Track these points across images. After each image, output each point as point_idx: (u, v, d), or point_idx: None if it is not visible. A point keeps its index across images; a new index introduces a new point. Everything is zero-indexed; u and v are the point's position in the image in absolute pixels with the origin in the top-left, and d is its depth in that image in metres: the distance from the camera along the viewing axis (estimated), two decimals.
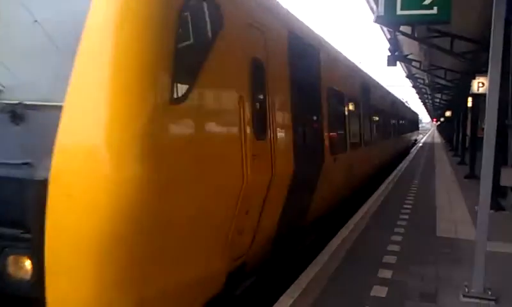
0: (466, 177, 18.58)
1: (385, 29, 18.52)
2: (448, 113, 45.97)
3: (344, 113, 11.55)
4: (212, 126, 4.75)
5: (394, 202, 12.85)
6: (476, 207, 6.43)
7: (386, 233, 9.06)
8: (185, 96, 4.18)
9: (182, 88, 4.16)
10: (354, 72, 13.79)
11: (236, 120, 5.10)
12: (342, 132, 11.16)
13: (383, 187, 16.03)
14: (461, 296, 5.90)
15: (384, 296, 5.89)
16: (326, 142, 9.09)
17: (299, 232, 8.03)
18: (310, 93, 8.50)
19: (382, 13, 7.61)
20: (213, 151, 4.61)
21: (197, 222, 4.43)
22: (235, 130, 5.08)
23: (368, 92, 15.87)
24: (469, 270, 6.16)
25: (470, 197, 13.18)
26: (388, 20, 7.78)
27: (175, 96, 4.06)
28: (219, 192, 4.79)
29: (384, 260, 7.34)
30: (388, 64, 20.36)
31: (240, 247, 5.47)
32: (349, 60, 13.17)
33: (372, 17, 11.95)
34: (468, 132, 25.00)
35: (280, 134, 6.46)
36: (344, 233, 9.01)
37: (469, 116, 24.94)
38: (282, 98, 6.70)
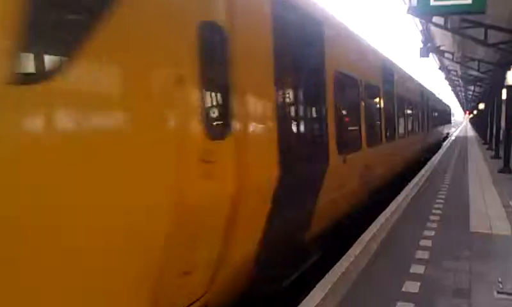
0: (500, 171, 18.18)
1: (417, 20, 18.25)
2: (481, 106, 45.15)
3: (358, 103, 9.41)
4: (110, 119, 3.10)
5: (426, 196, 12.66)
6: (511, 202, 6.29)
7: (419, 228, 8.93)
8: (49, 73, 2.76)
9: (41, 61, 2.84)
10: (371, 55, 11.23)
11: (166, 111, 3.49)
12: (355, 127, 9.28)
13: (414, 181, 15.81)
14: (495, 292, 5.78)
15: (416, 291, 5.82)
16: (332, 140, 7.24)
17: (299, 251, 6.63)
18: (308, 76, 6.81)
19: (415, 4, 7.52)
20: (113, 159, 3.03)
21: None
22: (162, 125, 3.47)
23: (389, 79, 13.56)
24: (503, 266, 6.04)
25: (504, 192, 12.92)
26: (421, 11, 7.68)
27: (29, 71, 2.70)
28: (128, 221, 3.16)
29: (416, 256, 7.24)
30: (421, 56, 20.14)
31: (191, 289, 4.06)
32: (364, 40, 10.66)
33: (405, 8, 11.78)
34: (503, 125, 24.47)
35: (255, 130, 4.81)
36: (374, 227, 8.92)
37: (503, 108, 24.41)
38: (260, 81, 4.99)
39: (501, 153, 22.12)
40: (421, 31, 19.63)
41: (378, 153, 11.39)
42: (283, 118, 5.55)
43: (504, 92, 21.15)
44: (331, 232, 8.08)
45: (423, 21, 17.26)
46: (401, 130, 15.83)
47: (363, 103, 9.53)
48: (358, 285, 6.06)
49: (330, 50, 7.20)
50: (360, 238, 8.04)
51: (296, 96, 6.41)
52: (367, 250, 7.44)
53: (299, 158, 6.06)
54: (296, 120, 6.38)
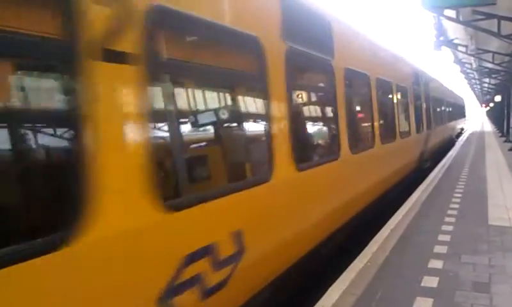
0: None
1: (430, 13, 18.13)
2: (497, 98, 44.68)
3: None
4: None
5: (444, 190, 12.58)
6: None
7: (437, 222, 8.88)
8: None
9: None
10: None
11: None
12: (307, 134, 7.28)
13: (432, 175, 15.70)
14: None
15: (435, 286, 5.79)
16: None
17: None
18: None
19: None
20: None
21: None
22: None
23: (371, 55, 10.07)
24: None
25: None
26: (431, 4, 7.65)
27: None
28: None
29: (435, 250, 7.21)
30: (434, 49, 20.02)
31: None
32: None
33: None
34: None
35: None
36: (392, 223, 8.90)
37: None
38: None
39: None
40: (434, 24, 19.50)
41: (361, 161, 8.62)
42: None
43: None
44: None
45: (435, 14, 17.13)
46: (395, 128, 12.16)
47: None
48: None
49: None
50: (377, 234, 8.05)
51: None
52: (384, 246, 7.44)
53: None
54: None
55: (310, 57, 6.41)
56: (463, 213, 9.71)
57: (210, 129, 5.76)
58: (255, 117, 5.81)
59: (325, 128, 7.95)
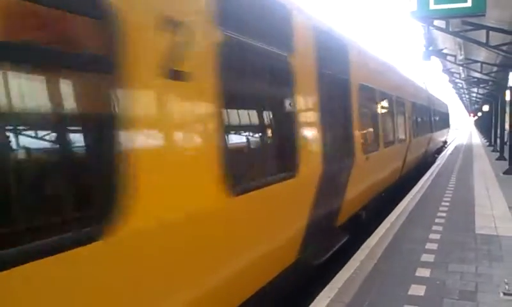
0: (505, 172, 18.14)
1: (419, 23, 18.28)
2: (485, 107, 45.07)
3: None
4: None
5: (432, 199, 12.66)
6: None
7: (424, 231, 8.93)
8: None
9: None
10: None
11: None
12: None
13: (420, 184, 15.79)
14: (501, 294, 5.78)
15: (422, 294, 5.82)
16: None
17: None
18: None
19: (415, 9, 7.55)
20: None
21: None
22: None
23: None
24: (510, 268, 6.05)
25: (510, 193, 12.90)
26: (421, 14, 7.71)
27: None
28: None
29: (422, 259, 7.25)
30: (423, 59, 20.15)
31: None
32: None
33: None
34: (507, 126, 24.43)
35: None
36: (380, 232, 8.93)
37: (507, 109, 24.38)
38: None
39: (506, 155, 22.10)
40: (423, 34, 19.65)
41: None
42: None
43: (508, 93, 21.15)
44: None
45: (424, 25, 17.28)
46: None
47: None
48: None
49: None
50: (365, 243, 8.08)
51: None
52: (372, 255, 7.47)
53: None
54: None
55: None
56: (450, 221, 9.78)
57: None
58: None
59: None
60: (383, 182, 12.22)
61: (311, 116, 6.54)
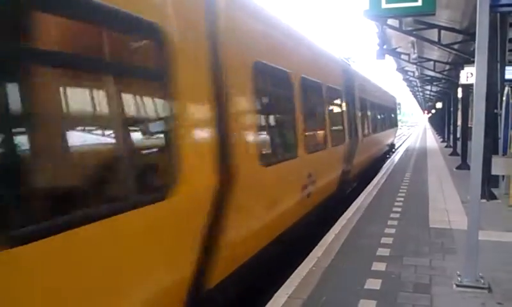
0: (458, 168, 18.63)
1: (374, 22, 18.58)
2: (439, 104, 46.20)
3: None
4: None
5: (387, 194, 12.87)
6: (468, 197, 6.46)
7: (380, 226, 9.08)
8: None
9: None
10: None
11: None
12: None
13: (375, 180, 16.04)
14: (454, 286, 5.92)
15: (378, 288, 5.90)
16: None
17: None
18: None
19: (367, 7, 7.66)
20: None
21: None
22: None
23: None
24: (462, 260, 6.20)
25: (462, 188, 13.23)
26: (373, 13, 7.82)
27: None
28: None
29: (378, 253, 7.35)
30: (377, 58, 20.47)
31: None
32: None
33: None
34: (459, 122, 25.12)
35: None
36: (336, 228, 9.02)
37: (460, 106, 25.07)
38: None
39: (459, 150, 22.67)
40: (377, 33, 19.95)
41: None
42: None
43: (460, 91, 21.74)
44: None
45: (378, 23, 17.56)
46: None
47: None
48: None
49: None
50: (322, 239, 8.13)
51: None
52: (328, 251, 7.53)
53: None
54: None
55: None
56: (405, 216, 9.97)
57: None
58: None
59: None
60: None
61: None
